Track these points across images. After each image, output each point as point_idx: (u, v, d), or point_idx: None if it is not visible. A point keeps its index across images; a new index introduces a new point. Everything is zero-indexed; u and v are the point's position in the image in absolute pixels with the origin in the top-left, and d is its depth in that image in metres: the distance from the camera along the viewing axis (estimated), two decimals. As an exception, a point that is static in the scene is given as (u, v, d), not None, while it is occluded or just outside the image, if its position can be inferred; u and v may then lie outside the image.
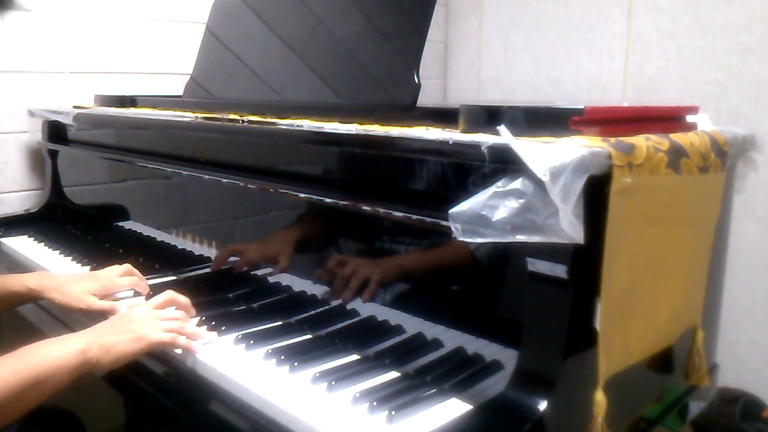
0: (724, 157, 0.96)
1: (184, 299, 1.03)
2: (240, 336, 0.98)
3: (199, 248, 1.28)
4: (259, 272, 1.15)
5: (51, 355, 0.84)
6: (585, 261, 0.72)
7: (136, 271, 1.19)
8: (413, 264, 0.92)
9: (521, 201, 0.68)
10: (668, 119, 0.96)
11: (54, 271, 1.36)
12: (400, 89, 1.11)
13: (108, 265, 1.23)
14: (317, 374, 0.85)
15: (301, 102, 1.29)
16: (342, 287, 0.98)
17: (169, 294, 1.02)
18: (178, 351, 0.95)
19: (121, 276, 1.17)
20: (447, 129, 0.89)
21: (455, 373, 0.83)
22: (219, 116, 1.24)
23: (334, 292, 1.00)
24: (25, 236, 1.63)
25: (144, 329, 0.92)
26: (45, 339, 0.88)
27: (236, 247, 1.19)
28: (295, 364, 0.89)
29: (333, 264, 1.00)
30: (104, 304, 1.11)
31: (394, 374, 0.88)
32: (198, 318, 1.06)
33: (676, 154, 0.83)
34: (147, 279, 1.21)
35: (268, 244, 1.14)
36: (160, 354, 0.99)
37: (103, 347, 0.88)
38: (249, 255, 1.16)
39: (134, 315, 0.95)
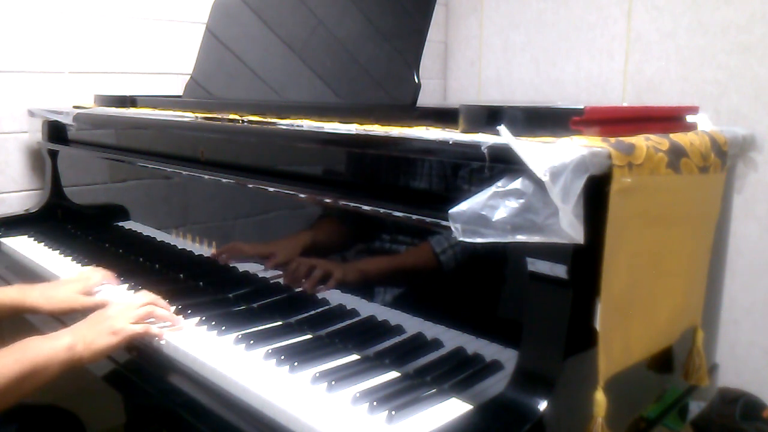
0: (724, 157, 0.96)
1: (161, 301, 1.07)
2: (240, 336, 0.98)
3: (199, 248, 1.28)
4: (259, 272, 1.15)
5: (44, 349, 0.90)
6: (585, 261, 0.72)
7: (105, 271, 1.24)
8: (379, 263, 0.97)
9: (521, 201, 0.68)
10: (668, 119, 0.96)
11: (54, 271, 1.36)
12: (400, 89, 1.11)
13: (107, 265, 1.24)
14: (317, 374, 0.85)
15: (301, 102, 1.29)
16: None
17: (148, 296, 1.06)
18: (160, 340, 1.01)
19: (95, 273, 1.22)
20: (447, 129, 0.89)
21: (455, 373, 0.83)
22: (219, 116, 1.24)
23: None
24: (25, 236, 1.63)
25: (118, 323, 0.98)
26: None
27: (239, 246, 1.20)
28: (295, 364, 0.89)
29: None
30: (95, 299, 1.15)
31: (394, 374, 0.88)
32: (197, 318, 1.06)
33: (676, 154, 0.83)
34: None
35: (271, 244, 1.15)
36: (160, 354, 0.99)
37: (85, 342, 0.94)
38: (249, 251, 1.18)
39: (109, 311, 1.01)
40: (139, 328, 0.98)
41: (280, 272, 1.10)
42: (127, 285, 1.25)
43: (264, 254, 1.14)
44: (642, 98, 1.96)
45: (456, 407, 0.79)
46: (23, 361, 0.87)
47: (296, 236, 1.09)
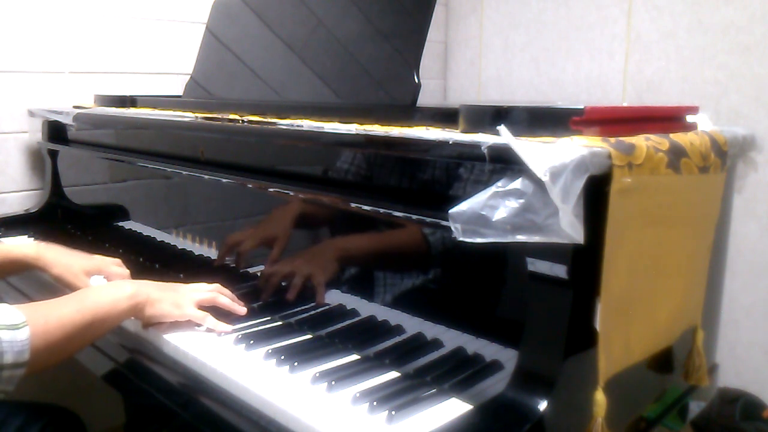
0: (724, 157, 0.96)
1: (225, 290, 1.07)
2: (240, 336, 0.98)
3: (199, 248, 1.28)
4: (259, 272, 1.15)
5: (106, 297, 0.91)
6: (585, 261, 0.72)
7: (125, 269, 1.22)
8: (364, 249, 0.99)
9: (521, 201, 0.68)
10: (668, 119, 0.96)
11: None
12: (400, 89, 1.11)
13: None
14: (317, 374, 0.85)
15: (301, 102, 1.29)
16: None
17: (216, 286, 1.07)
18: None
19: (114, 266, 1.21)
20: (447, 129, 0.89)
21: (455, 373, 0.83)
22: (219, 116, 1.24)
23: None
24: (25, 236, 1.63)
25: (183, 300, 1.00)
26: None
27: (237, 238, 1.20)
28: (295, 364, 0.89)
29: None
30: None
31: (394, 374, 0.88)
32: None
33: (676, 154, 0.83)
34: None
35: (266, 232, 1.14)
36: (160, 354, 0.99)
37: (150, 299, 0.97)
38: (248, 243, 1.18)
39: (179, 287, 1.03)
40: (199, 315, 0.99)
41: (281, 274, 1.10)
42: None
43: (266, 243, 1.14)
44: (642, 98, 1.97)
45: (456, 407, 0.79)
46: (85, 311, 0.87)
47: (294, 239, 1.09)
